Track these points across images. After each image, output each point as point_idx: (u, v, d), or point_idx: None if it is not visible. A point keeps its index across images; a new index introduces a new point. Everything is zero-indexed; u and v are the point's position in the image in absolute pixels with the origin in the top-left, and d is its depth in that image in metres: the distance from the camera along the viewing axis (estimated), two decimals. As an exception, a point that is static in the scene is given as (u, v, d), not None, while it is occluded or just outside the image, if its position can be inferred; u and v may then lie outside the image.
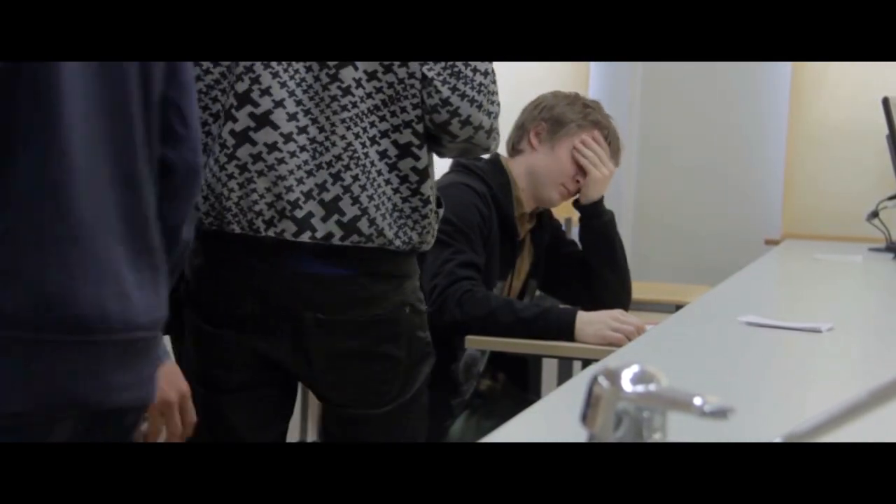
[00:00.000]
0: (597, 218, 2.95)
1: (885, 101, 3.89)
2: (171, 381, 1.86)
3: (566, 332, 2.59)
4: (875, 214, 3.95)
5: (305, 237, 2.03)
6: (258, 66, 2.02)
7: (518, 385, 3.12)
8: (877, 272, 3.47)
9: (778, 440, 0.85)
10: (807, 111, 5.00)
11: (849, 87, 4.93)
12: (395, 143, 2.08)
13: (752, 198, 5.09)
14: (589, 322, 2.59)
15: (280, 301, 2.06)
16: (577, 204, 2.98)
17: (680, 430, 0.92)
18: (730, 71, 5.03)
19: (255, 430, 2.15)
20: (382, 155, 2.07)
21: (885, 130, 3.94)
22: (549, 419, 1.40)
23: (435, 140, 2.13)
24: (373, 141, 2.06)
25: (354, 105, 2.04)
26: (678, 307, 2.75)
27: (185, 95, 1.57)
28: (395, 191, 2.08)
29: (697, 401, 0.79)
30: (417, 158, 2.09)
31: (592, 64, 5.08)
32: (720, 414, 0.78)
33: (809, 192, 5.02)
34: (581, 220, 2.99)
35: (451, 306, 2.62)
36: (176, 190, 1.57)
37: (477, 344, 2.67)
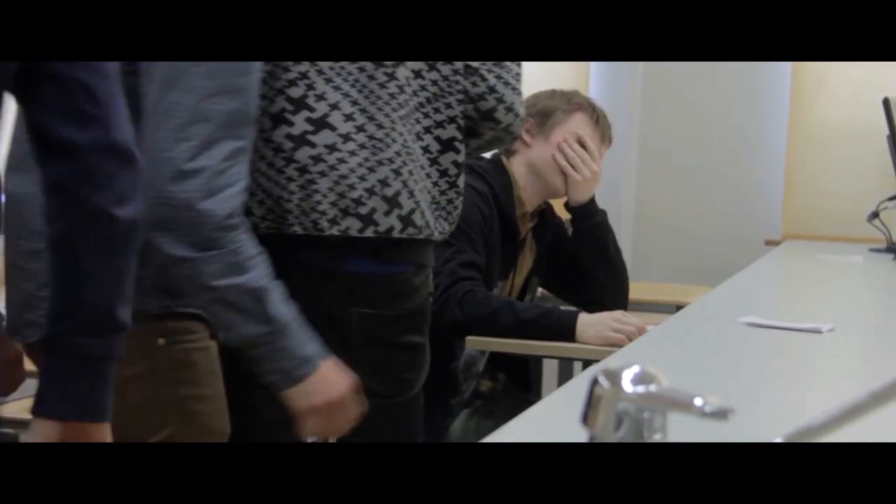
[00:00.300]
0: (587, 219, 2.97)
1: (886, 102, 3.89)
2: (330, 379, 1.88)
3: (567, 333, 2.59)
4: (875, 215, 3.95)
5: (369, 232, 2.07)
6: (312, 72, 2.05)
7: (519, 386, 3.12)
8: (877, 273, 3.47)
9: (778, 441, 0.85)
10: (807, 111, 5.00)
11: (849, 87, 4.93)
12: (437, 138, 2.15)
13: (752, 198, 5.09)
14: (590, 323, 2.60)
15: (330, 297, 2.08)
16: (567, 206, 2.99)
17: (680, 430, 0.92)
18: (730, 71, 5.03)
19: (287, 423, 2.18)
20: (425, 150, 2.14)
21: (885, 131, 3.94)
22: (550, 420, 1.40)
23: (471, 132, 2.20)
24: (417, 137, 2.13)
25: (407, 103, 2.10)
26: (678, 308, 2.75)
27: (99, 77, 1.52)
28: (434, 184, 2.16)
29: (698, 401, 0.79)
30: (458, 152, 2.17)
31: (592, 64, 5.08)
32: (721, 414, 0.78)
33: (810, 192, 5.02)
34: (572, 222, 3.00)
35: (453, 306, 2.63)
36: (91, 171, 1.51)
37: (477, 344, 2.67)
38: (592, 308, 2.72)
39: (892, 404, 0.81)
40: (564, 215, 3.11)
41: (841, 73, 4.94)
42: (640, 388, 0.83)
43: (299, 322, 1.89)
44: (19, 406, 3.39)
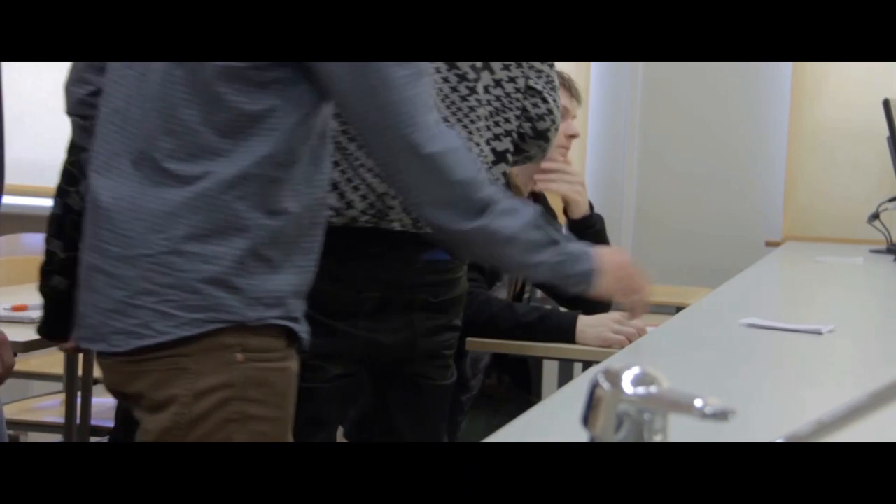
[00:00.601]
0: (588, 228, 2.98)
1: (886, 103, 3.89)
2: (610, 257, 1.95)
3: (567, 335, 2.60)
4: (876, 216, 3.94)
5: None
6: None
7: (520, 386, 3.12)
8: (878, 274, 3.46)
9: (779, 441, 0.85)
10: (807, 113, 4.99)
11: (850, 88, 4.92)
12: (493, 150, 2.33)
13: (752, 199, 5.08)
14: (590, 325, 2.60)
15: (403, 286, 2.23)
16: (568, 219, 3.01)
17: (681, 432, 0.92)
18: (730, 71, 5.03)
19: (342, 417, 2.40)
20: (483, 160, 2.32)
21: (885, 132, 3.93)
22: (551, 421, 1.40)
23: (517, 149, 2.40)
24: (480, 148, 2.31)
25: (481, 115, 2.29)
26: (679, 309, 2.74)
27: None
28: None
29: (698, 402, 0.79)
30: (508, 163, 2.36)
31: (592, 64, 5.08)
32: (721, 416, 0.78)
33: (810, 193, 5.01)
34: (572, 230, 3.01)
35: (453, 310, 2.64)
36: None
37: (478, 346, 2.67)
38: (573, 306, 2.75)
39: (893, 405, 0.81)
40: (560, 217, 3.11)
41: (841, 74, 4.93)
42: (641, 390, 0.83)
43: (557, 227, 1.99)
44: (19, 406, 3.39)
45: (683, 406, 0.79)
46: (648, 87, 5.16)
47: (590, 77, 5.08)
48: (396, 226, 2.19)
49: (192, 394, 1.71)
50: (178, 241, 1.69)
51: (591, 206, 3.07)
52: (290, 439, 1.84)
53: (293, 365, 1.81)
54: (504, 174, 2.35)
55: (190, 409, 1.71)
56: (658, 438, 0.84)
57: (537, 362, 3.18)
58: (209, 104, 1.71)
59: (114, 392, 1.87)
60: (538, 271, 1.89)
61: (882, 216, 3.95)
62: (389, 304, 2.24)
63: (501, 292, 2.89)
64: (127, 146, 1.74)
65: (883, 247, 3.94)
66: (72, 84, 1.93)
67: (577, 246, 1.92)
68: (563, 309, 2.88)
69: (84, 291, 1.79)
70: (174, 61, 1.70)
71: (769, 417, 1.45)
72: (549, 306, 2.91)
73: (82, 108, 1.91)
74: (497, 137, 2.32)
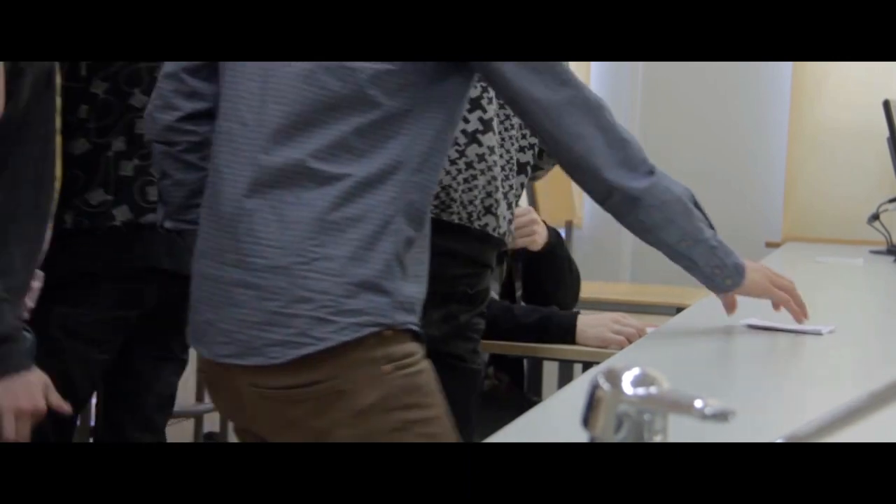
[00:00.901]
0: (558, 248, 2.96)
1: (886, 104, 3.89)
2: (751, 264, 2.00)
3: (567, 335, 2.60)
4: (876, 217, 3.94)
5: (497, 233, 2.32)
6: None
7: (518, 386, 3.12)
8: (878, 274, 3.46)
9: (779, 441, 0.85)
10: (808, 113, 5.00)
11: (850, 89, 4.93)
12: (518, 160, 2.40)
13: (752, 200, 5.09)
14: (590, 325, 2.60)
15: (446, 279, 2.26)
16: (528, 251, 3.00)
17: (681, 432, 0.92)
18: (730, 71, 5.03)
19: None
20: (511, 169, 2.41)
21: (885, 133, 3.93)
22: (551, 421, 1.40)
23: (534, 165, 2.48)
24: (510, 155, 2.40)
25: (514, 125, 2.38)
26: (679, 310, 2.74)
27: None
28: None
29: (698, 403, 0.79)
30: (527, 175, 2.45)
31: (592, 64, 5.08)
32: (721, 416, 0.78)
33: (810, 194, 5.02)
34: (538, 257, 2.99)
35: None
36: None
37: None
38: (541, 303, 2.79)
39: (893, 405, 0.81)
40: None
41: (841, 75, 4.93)
42: (641, 390, 0.83)
43: None
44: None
45: (683, 406, 0.79)
46: (648, 87, 5.16)
47: (590, 77, 5.09)
48: (455, 219, 2.26)
49: (352, 414, 1.70)
50: (331, 245, 1.67)
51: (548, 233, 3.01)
52: (454, 432, 1.82)
53: (428, 364, 1.80)
54: (522, 185, 2.41)
55: (355, 430, 1.70)
56: (658, 439, 0.84)
57: (537, 362, 3.18)
58: (355, 106, 1.70)
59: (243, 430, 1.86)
60: (697, 252, 1.92)
61: (882, 217, 3.95)
62: (432, 297, 2.24)
63: (494, 286, 2.88)
64: (259, 154, 1.72)
65: (883, 247, 3.94)
66: (157, 111, 1.89)
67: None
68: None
69: (222, 308, 1.74)
70: (321, 64, 1.69)
71: (769, 417, 1.45)
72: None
73: (169, 134, 1.88)
74: (522, 150, 2.39)
